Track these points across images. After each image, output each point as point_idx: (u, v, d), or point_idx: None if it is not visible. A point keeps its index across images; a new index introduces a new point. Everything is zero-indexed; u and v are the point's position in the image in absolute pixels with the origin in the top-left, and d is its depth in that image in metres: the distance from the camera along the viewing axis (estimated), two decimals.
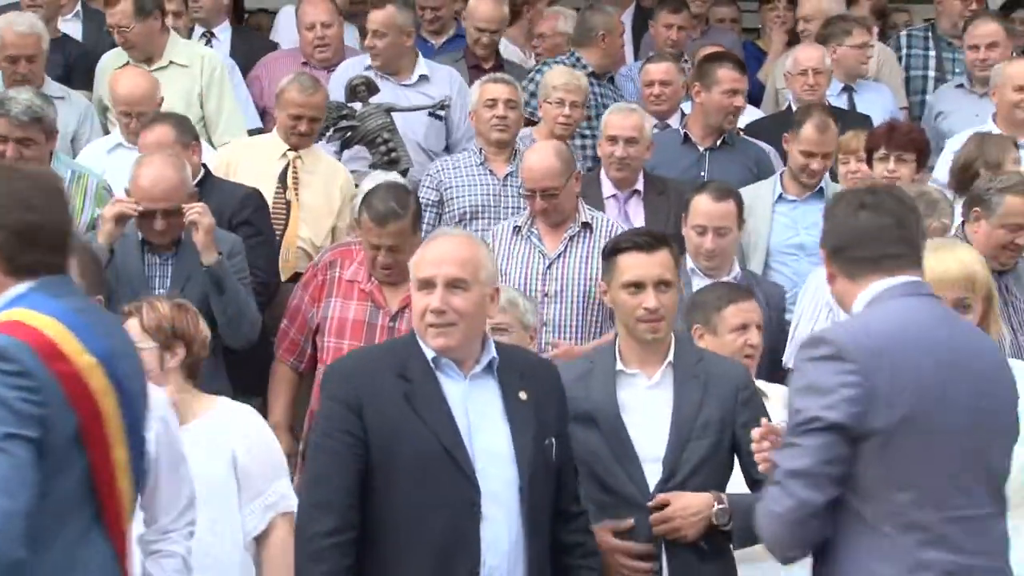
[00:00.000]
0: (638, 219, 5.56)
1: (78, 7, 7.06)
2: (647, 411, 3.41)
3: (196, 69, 6.27)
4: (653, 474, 3.35)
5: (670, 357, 3.45)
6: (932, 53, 7.22)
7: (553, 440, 3.26)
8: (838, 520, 2.66)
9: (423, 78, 6.43)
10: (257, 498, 3.75)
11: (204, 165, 5.27)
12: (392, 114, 6.11)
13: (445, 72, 6.57)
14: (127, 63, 6.18)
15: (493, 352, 3.25)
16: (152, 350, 4.00)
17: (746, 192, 5.61)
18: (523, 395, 3.25)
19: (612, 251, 3.50)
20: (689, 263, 4.83)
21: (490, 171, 5.74)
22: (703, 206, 4.78)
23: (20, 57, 5.82)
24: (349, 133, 6.07)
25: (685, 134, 6.07)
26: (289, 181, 5.45)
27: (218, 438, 3.72)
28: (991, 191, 4.51)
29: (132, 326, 4.04)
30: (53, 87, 5.94)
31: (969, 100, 6.51)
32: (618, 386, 3.45)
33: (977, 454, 2.68)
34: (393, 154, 5.98)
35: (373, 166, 5.94)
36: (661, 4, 7.34)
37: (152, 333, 4.04)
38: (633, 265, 3.40)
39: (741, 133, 6.36)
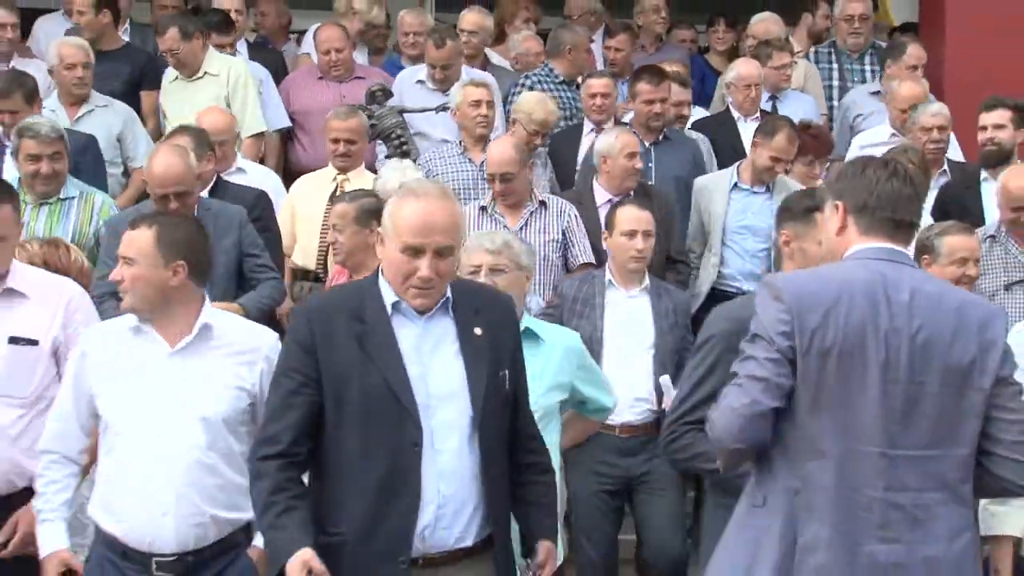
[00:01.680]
0: None
1: (127, 24, 7.50)
2: None
3: (224, 77, 6.72)
4: None
5: None
6: (835, 66, 7.85)
7: (506, 372, 3.21)
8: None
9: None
10: None
11: (217, 172, 5.56)
12: (404, 114, 6.62)
13: (467, 74, 6.98)
14: (176, 78, 6.73)
15: (448, 292, 3.16)
16: None
17: (706, 180, 6.20)
18: (478, 330, 3.18)
19: (809, 209, 3.46)
20: (607, 275, 4.91)
21: (469, 159, 6.18)
22: (629, 214, 4.88)
23: (77, 64, 6.32)
24: (369, 130, 6.43)
25: (634, 132, 6.29)
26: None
27: None
28: (931, 237, 4.71)
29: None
30: (98, 98, 6.44)
31: (884, 105, 7.03)
32: None
33: (906, 401, 2.76)
34: (405, 146, 6.44)
35: (388, 157, 6.45)
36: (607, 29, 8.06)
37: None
38: None
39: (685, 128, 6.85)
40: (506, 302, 3.34)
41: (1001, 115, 6.14)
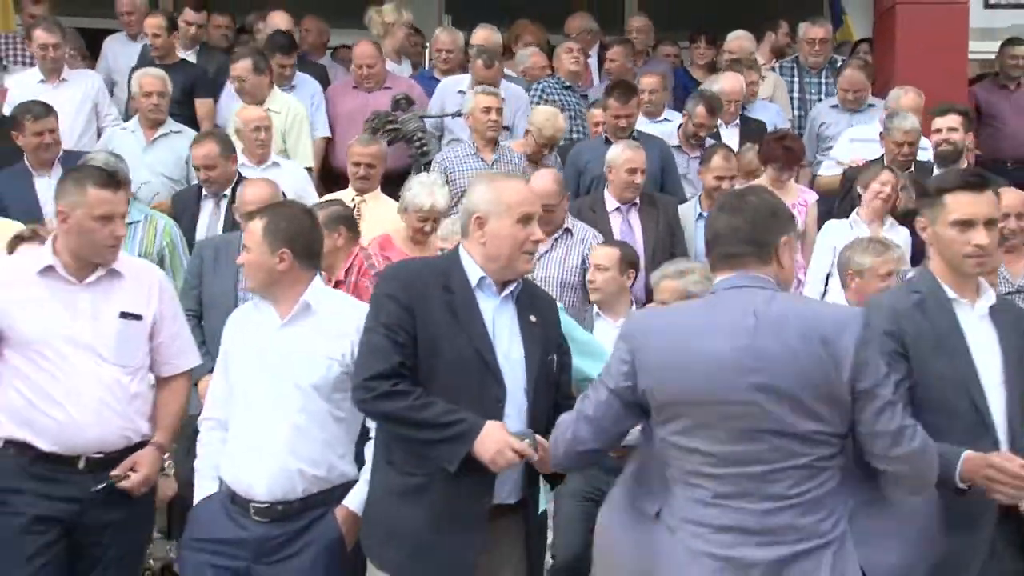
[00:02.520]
0: (637, 226, 6.17)
1: (198, 47, 8.21)
2: (980, 339, 3.27)
3: (284, 115, 7.20)
4: (996, 398, 3.20)
5: (990, 290, 3.33)
6: (796, 79, 8.47)
7: (554, 356, 3.44)
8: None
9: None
10: None
11: (238, 171, 6.06)
12: (425, 118, 7.26)
13: (511, 89, 7.57)
14: (242, 107, 7.02)
15: (520, 281, 3.43)
16: None
17: (681, 210, 6.45)
18: (533, 318, 3.41)
19: (938, 191, 3.31)
20: (594, 308, 5.05)
21: (481, 159, 6.51)
22: (599, 250, 5.10)
23: (153, 92, 6.83)
24: (394, 134, 7.09)
25: (606, 138, 6.86)
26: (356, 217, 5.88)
27: None
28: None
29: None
30: (173, 124, 6.93)
31: (843, 116, 7.79)
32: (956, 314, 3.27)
33: (756, 419, 2.74)
34: (424, 147, 7.06)
35: (411, 156, 7.07)
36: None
37: None
38: (963, 204, 3.23)
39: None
40: (552, 302, 3.65)
41: (953, 119, 6.68)
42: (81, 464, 3.74)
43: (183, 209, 6.22)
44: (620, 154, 6.23)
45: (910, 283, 3.44)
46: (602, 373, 2.95)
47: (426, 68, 8.60)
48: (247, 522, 3.61)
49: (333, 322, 3.66)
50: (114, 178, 3.89)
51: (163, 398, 3.98)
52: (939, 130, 6.72)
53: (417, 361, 3.27)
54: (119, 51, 8.37)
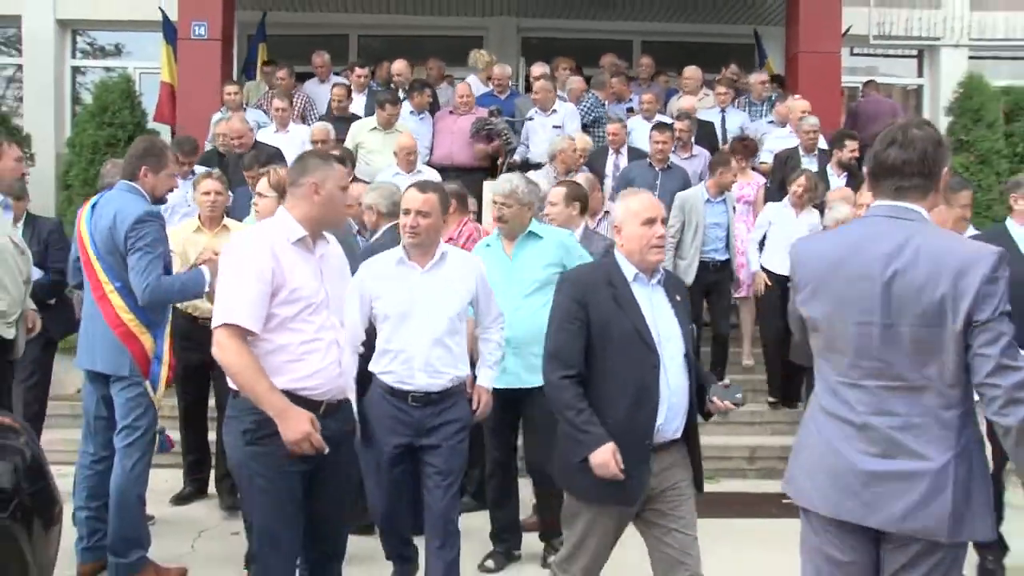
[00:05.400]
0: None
1: (357, 95, 10.37)
2: None
3: (406, 134, 8.79)
4: None
5: None
6: (747, 107, 10.66)
7: (692, 326, 3.95)
8: None
9: (554, 111, 9.57)
10: None
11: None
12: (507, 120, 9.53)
13: (563, 105, 9.64)
14: (374, 128, 9.09)
15: (662, 271, 3.88)
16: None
17: (687, 194, 7.92)
18: (678, 298, 3.92)
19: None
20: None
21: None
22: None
23: (318, 141, 8.68)
24: (490, 130, 9.35)
25: (649, 163, 8.63)
26: None
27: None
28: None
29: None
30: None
31: (772, 127, 10.01)
32: None
33: (881, 337, 2.88)
34: (508, 140, 9.29)
35: (500, 145, 9.25)
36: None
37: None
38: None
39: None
40: (684, 285, 4.09)
41: (852, 143, 8.88)
42: (322, 410, 3.77)
43: None
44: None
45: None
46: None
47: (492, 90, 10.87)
48: (406, 407, 4.36)
49: (460, 264, 4.34)
50: (343, 159, 4.11)
51: None
52: (853, 149, 8.90)
53: (592, 340, 3.76)
54: (314, 93, 11.02)
